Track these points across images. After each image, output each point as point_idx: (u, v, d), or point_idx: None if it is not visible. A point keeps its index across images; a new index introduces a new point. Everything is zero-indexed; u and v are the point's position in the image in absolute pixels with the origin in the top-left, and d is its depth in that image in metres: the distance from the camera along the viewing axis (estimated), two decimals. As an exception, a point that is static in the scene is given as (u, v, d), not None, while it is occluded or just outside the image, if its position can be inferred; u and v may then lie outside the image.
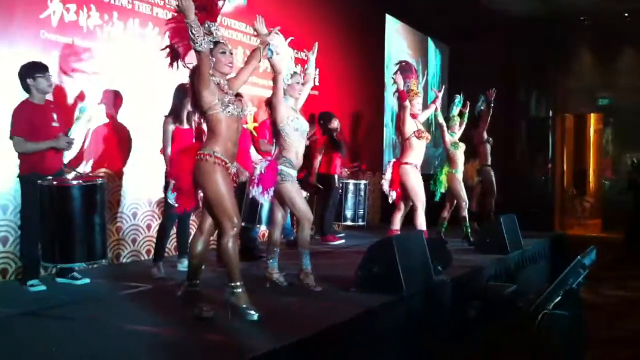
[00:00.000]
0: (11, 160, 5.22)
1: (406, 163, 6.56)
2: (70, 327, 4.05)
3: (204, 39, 3.98)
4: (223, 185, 4.08)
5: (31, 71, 5.07)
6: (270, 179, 4.96)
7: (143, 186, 6.64)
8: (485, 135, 9.09)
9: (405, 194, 6.67)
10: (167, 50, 4.43)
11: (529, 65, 13.76)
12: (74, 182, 5.03)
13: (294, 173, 5.12)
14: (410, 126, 6.59)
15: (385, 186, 6.75)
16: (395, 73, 6.68)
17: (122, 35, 6.44)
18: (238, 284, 4.08)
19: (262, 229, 6.76)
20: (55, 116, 5.21)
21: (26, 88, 5.10)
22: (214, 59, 4.18)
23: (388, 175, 6.70)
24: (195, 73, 4.13)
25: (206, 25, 4.18)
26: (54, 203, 4.91)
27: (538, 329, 4.76)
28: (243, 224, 6.32)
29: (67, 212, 4.92)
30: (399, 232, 6.55)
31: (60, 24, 5.82)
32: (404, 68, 6.73)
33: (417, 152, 6.59)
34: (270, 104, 5.17)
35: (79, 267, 5.59)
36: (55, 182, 4.94)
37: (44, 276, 5.26)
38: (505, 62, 13.74)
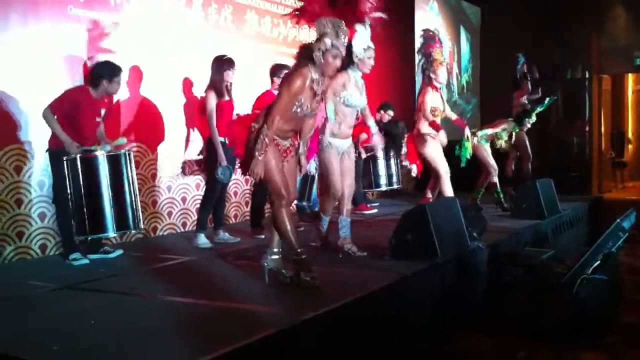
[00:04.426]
0: (46, 137, 5.28)
1: (424, 134, 6.44)
2: (108, 300, 4.10)
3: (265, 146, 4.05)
4: (271, 159, 4.11)
5: (110, 73, 5.15)
6: (312, 147, 4.97)
7: (177, 160, 6.67)
8: (522, 100, 8.85)
9: (427, 165, 6.58)
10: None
11: (563, 26, 13.42)
12: (98, 153, 5.04)
13: (335, 142, 5.09)
14: (430, 100, 6.45)
15: (405, 161, 6.71)
16: (421, 45, 6.57)
17: (149, 8, 6.42)
18: (299, 250, 4.16)
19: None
20: (102, 112, 5.25)
21: (95, 84, 5.14)
22: (324, 60, 4.15)
23: (404, 149, 6.62)
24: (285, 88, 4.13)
25: (336, 21, 4.22)
26: (80, 175, 4.93)
27: (576, 294, 4.72)
28: None
29: (94, 183, 4.95)
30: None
31: (88, -1, 5.83)
32: (428, 37, 6.60)
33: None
34: None
35: (112, 238, 5.71)
36: (79, 155, 4.95)
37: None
38: (539, 24, 13.43)
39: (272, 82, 6.36)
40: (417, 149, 6.51)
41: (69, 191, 4.96)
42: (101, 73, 5.13)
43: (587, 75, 13.85)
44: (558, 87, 13.90)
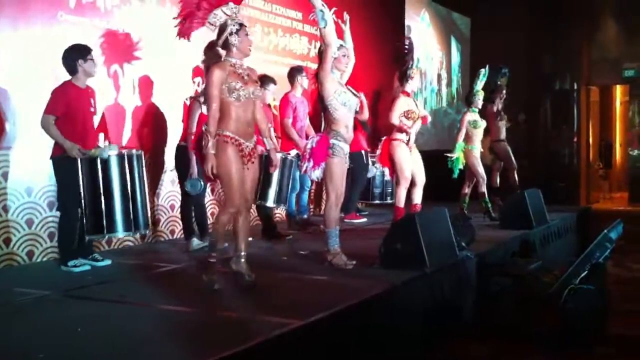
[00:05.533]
0: (35, 143, 5.26)
1: (396, 139, 6.46)
2: (96, 307, 4.08)
3: None
4: (231, 164, 4.25)
5: (82, 53, 5.11)
6: (322, 153, 4.96)
7: (165, 167, 6.67)
8: (497, 110, 8.79)
9: (392, 169, 6.58)
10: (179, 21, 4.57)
11: (553, 37, 13.51)
12: (114, 153, 5.06)
13: (346, 148, 5.10)
14: (400, 106, 6.46)
15: (377, 163, 6.76)
16: (405, 54, 6.56)
17: (140, 15, 6.41)
18: (213, 254, 4.42)
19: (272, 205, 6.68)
20: (92, 102, 5.22)
21: (72, 70, 5.11)
22: (240, 38, 4.34)
23: (378, 151, 6.64)
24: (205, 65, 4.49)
25: (230, 6, 4.37)
26: (95, 175, 4.95)
27: (564, 304, 4.74)
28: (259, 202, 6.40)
29: (109, 182, 4.99)
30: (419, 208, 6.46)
31: (78, 5, 5.81)
32: (412, 46, 6.60)
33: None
34: (317, 77, 5.10)
35: (122, 237, 5.89)
36: (89, 156, 4.95)
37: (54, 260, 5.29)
38: (528, 34, 13.52)
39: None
40: (389, 153, 6.50)
41: (82, 191, 4.96)
42: (74, 56, 5.09)
43: (575, 87, 13.95)
44: (547, 98, 14.02)
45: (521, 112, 8.87)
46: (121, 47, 6.21)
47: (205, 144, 4.21)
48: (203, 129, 4.30)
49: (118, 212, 5.04)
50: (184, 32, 4.54)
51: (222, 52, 4.41)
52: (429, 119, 6.84)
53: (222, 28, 4.36)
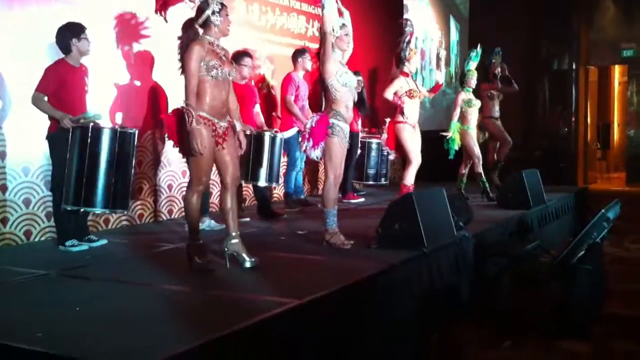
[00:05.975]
0: (31, 123, 5.23)
1: (400, 122, 6.48)
2: (93, 286, 4.08)
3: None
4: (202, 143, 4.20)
5: (76, 31, 5.06)
6: (321, 132, 4.96)
7: (165, 147, 6.65)
8: (491, 91, 8.79)
9: (400, 151, 6.62)
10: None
11: (551, 17, 13.45)
12: (108, 127, 4.99)
13: (345, 127, 5.09)
14: (402, 85, 6.46)
15: (385, 147, 6.78)
16: (403, 35, 6.54)
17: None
18: (197, 236, 4.41)
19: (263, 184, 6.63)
20: (87, 80, 5.19)
21: (66, 49, 5.07)
22: (221, 18, 4.34)
23: (384, 134, 6.65)
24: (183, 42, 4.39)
25: None
26: (84, 147, 4.85)
27: (561, 283, 4.75)
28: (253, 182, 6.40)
29: (97, 156, 4.88)
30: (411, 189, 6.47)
31: (75, -16, 5.77)
32: (409, 26, 6.58)
33: (409, 110, 6.49)
34: (318, 57, 5.10)
35: (102, 214, 5.77)
36: (90, 124, 4.87)
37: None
38: (527, 14, 13.45)
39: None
40: (395, 136, 6.53)
41: (67, 160, 4.86)
42: (67, 35, 5.04)
43: (574, 67, 13.90)
44: (545, 78, 13.98)
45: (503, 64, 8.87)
46: (122, 27, 6.16)
47: (189, 121, 4.14)
48: (183, 106, 4.22)
49: (100, 187, 4.90)
50: (161, 8, 4.52)
51: (200, 31, 4.36)
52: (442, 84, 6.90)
53: (203, 6, 4.33)
